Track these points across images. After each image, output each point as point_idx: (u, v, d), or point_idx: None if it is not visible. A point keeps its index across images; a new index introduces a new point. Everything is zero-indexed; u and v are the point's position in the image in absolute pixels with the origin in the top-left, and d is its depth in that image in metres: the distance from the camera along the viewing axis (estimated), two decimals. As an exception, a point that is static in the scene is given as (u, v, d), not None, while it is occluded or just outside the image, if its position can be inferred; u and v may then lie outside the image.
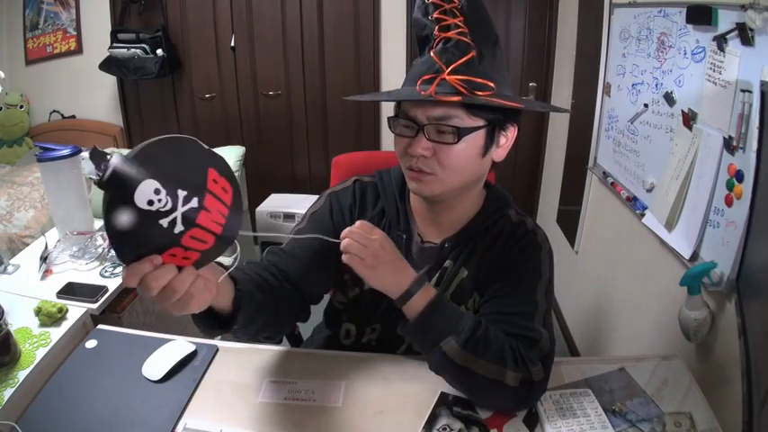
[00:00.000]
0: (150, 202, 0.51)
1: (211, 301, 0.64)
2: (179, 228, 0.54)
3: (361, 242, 0.77)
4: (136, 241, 0.52)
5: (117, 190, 0.50)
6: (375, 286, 0.81)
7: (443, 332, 0.79)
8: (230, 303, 0.72)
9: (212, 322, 0.72)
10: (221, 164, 0.58)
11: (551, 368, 0.84)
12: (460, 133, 0.77)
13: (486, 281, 0.90)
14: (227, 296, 0.71)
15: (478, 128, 0.78)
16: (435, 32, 0.78)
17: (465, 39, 0.76)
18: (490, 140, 0.81)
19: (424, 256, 0.93)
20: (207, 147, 0.57)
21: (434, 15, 0.78)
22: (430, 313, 0.79)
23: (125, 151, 0.54)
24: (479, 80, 0.76)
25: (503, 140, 0.84)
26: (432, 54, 0.77)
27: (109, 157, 0.50)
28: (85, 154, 1.63)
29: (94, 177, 0.49)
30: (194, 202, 0.55)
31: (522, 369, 0.79)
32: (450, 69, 0.75)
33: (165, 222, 0.53)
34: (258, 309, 0.77)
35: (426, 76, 0.77)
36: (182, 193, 0.54)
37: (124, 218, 0.50)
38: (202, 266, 0.60)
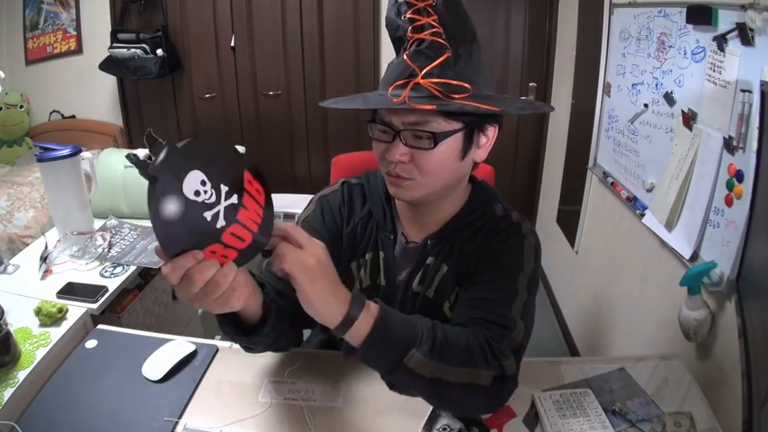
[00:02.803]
0: (197, 193, 0.52)
1: (248, 299, 0.63)
2: (221, 222, 0.55)
3: (301, 243, 0.64)
4: (181, 233, 0.53)
5: (167, 177, 0.50)
6: (311, 306, 0.65)
7: (401, 346, 0.70)
8: (257, 308, 0.71)
9: (238, 328, 0.71)
10: (253, 167, 0.60)
11: (521, 363, 0.79)
12: (437, 138, 0.75)
13: (468, 274, 0.88)
14: (256, 298, 0.70)
15: (456, 131, 0.76)
16: (409, 33, 0.75)
17: (439, 39, 0.74)
18: (469, 142, 0.79)
19: (408, 256, 0.92)
20: (242, 149, 0.59)
21: (407, 15, 0.75)
22: (380, 331, 0.68)
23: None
24: (455, 82, 0.73)
25: (483, 140, 0.82)
26: (405, 57, 0.75)
27: (163, 142, 0.51)
28: (86, 154, 1.63)
29: (142, 159, 0.49)
30: (234, 199, 0.57)
31: (493, 364, 0.74)
32: (423, 73, 0.73)
33: (208, 215, 0.54)
34: (280, 313, 0.75)
35: (399, 81, 0.75)
36: (224, 188, 0.55)
37: (172, 207, 0.51)
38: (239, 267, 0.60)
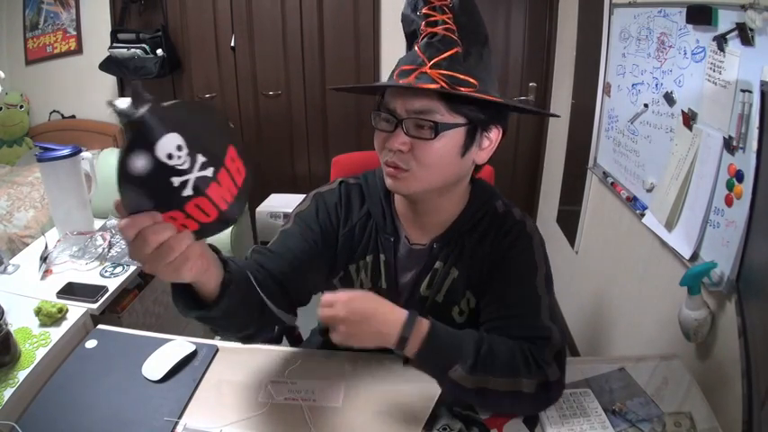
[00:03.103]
0: (170, 156, 0.51)
1: (203, 273, 0.63)
2: (188, 191, 0.54)
3: (329, 314, 0.73)
4: (143, 191, 0.52)
5: (143, 132, 0.49)
6: (369, 347, 0.77)
7: (447, 361, 0.77)
8: (216, 285, 0.68)
9: (191, 302, 0.69)
10: (241, 146, 0.59)
11: (565, 363, 0.83)
12: (438, 129, 0.75)
13: (480, 279, 0.89)
14: (215, 276, 0.68)
15: (458, 125, 0.77)
16: (422, 27, 0.77)
17: (452, 35, 0.75)
18: (470, 140, 0.79)
19: (413, 259, 0.92)
20: (232, 125, 0.58)
21: (423, 11, 0.77)
22: (428, 349, 0.76)
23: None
24: (462, 76, 0.74)
25: (486, 143, 0.82)
26: (416, 48, 0.76)
27: (148, 97, 0.50)
28: (86, 154, 1.63)
29: (126, 111, 0.48)
30: (209, 172, 0.55)
31: (536, 373, 0.78)
32: (432, 63, 0.74)
33: (176, 181, 0.53)
34: (243, 299, 0.73)
35: (406, 67, 0.76)
36: (200, 159, 0.54)
37: (140, 162, 0.50)
38: (198, 240, 0.59)
